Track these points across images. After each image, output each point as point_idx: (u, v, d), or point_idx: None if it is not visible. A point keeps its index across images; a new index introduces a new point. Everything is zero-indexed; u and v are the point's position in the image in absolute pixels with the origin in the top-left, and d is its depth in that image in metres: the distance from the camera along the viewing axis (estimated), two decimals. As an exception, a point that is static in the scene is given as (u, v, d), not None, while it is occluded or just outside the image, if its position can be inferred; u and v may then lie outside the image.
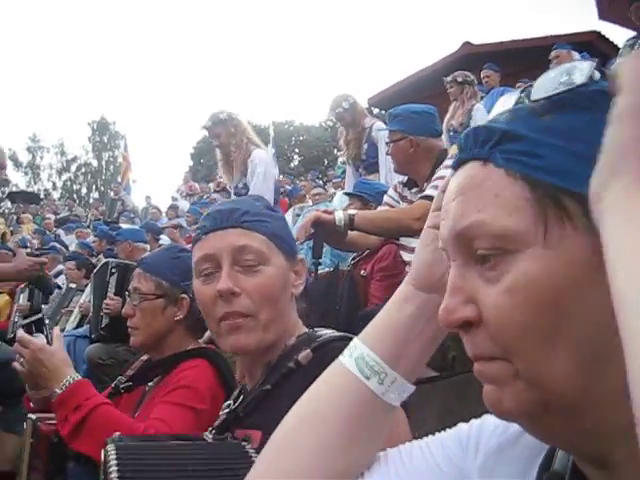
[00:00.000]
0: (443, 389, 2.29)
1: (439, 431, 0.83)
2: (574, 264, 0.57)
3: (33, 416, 1.65)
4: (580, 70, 0.61)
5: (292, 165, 33.74)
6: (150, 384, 2.10)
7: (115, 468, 1.07)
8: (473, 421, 0.81)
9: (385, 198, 3.58)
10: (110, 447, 1.14)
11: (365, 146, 5.39)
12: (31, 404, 1.82)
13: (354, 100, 5.38)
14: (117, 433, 1.23)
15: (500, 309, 0.59)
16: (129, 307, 2.13)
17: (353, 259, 3.99)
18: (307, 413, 0.84)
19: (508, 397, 0.60)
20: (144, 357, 2.22)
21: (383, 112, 11.62)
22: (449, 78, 6.84)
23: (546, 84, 0.63)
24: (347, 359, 0.83)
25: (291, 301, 1.41)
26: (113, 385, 2.07)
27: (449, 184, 0.67)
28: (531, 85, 0.65)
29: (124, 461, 1.09)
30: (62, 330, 6.19)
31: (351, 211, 2.83)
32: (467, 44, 12.78)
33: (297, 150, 37.07)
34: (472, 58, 10.82)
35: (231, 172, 4.97)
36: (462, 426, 0.81)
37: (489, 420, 0.78)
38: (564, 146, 0.59)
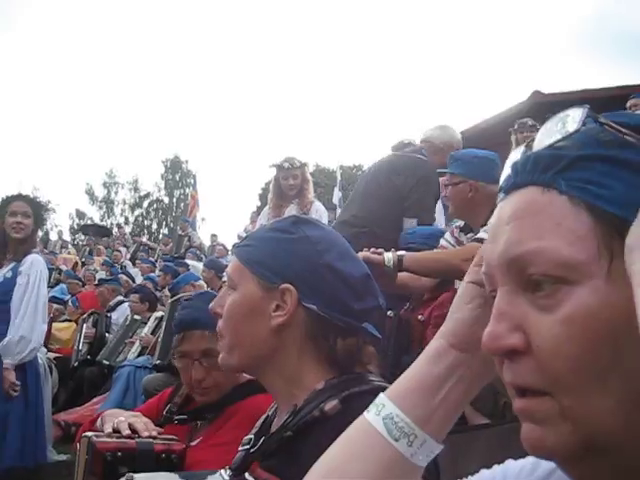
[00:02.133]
0: (489, 436, 2.25)
1: None
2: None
3: (89, 434, 1.68)
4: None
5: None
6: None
7: None
8: (495, 467, 0.78)
9: (441, 241, 3.58)
10: None
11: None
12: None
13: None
14: (130, 474, 1.26)
15: (555, 339, 0.56)
16: (200, 371, 2.09)
17: (410, 303, 3.98)
18: (332, 473, 0.80)
19: (552, 436, 0.57)
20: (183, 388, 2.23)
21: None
22: (516, 125, 6.73)
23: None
24: (374, 417, 0.78)
25: (275, 334, 1.29)
26: (166, 411, 2.11)
27: (499, 208, 0.65)
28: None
29: None
30: (124, 359, 6.44)
31: (400, 252, 2.82)
32: (537, 93, 12.66)
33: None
34: (541, 107, 10.68)
35: (280, 214, 5.05)
36: (484, 473, 0.78)
37: (512, 464, 0.75)
38: (632, 179, 0.58)
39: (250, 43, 75.11)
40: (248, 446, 1.29)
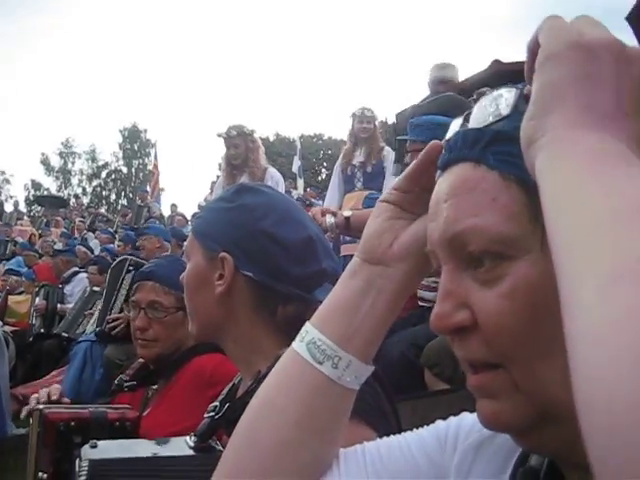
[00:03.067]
0: (449, 401, 2.27)
1: None
2: None
3: (41, 406, 1.68)
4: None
5: (319, 178, 33.82)
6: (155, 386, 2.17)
7: None
8: (451, 418, 0.79)
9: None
10: (84, 462, 1.15)
11: (374, 162, 5.52)
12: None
13: (377, 118, 5.69)
14: (94, 440, 1.25)
15: (498, 314, 0.57)
16: (143, 320, 2.16)
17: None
18: (263, 406, 0.81)
19: (507, 409, 0.58)
20: (141, 359, 2.26)
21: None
22: (475, 95, 6.78)
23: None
24: (298, 344, 0.79)
25: (222, 303, 1.31)
26: (116, 382, 2.13)
27: (437, 186, 0.65)
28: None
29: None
30: (83, 332, 6.37)
31: (346, 212, 2.80)
32: (496, 62, 12.71)
33: (325, 164, 37.18)
34: (502, 76, 10.74)
35: (233, 181, 5.09)
36: (440, 423, 0.79)
37: (467, 417, 0.76)
38: None
39: (212, 7, 73.98)
40: (213, 413, 1.30)
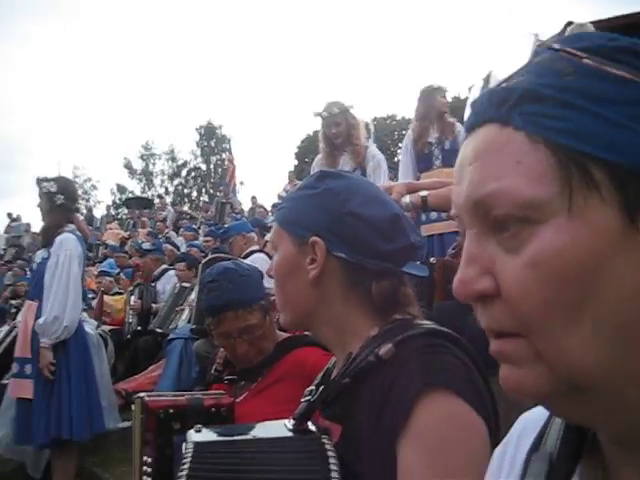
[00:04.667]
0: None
1: None
2: (600, 235, 0.53)
3: (142, 394, 1.76)
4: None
5: (396, 159, 33.53)
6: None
7: (186, 472, 1.14)
8: (510, 432, 0.77)
9: None
10: (189, 445, 1.20)
11: (450, 138, 5.35)
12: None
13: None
14: (199, 425, 1.30)
15: (521, 282, 0.55)
16: (244, 347, 2.18)
17: (453, 248, 3.95)
18: None
19: (530, 377, 0.56)
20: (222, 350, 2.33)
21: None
22: None
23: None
24: None
25: (315, 286, 1.33)
26: (213, 373, 2.23)
27: (463, 148, 0.63)
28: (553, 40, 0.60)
29: (196, 465, 1.16)
30: (175, 327, 6.57)
31: (422, 193, 2.79)
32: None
33: (400, 145, 36.74)
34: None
35: (334, 162, 4.94)
36: (494, 453, 0.77)
37: (529, 417, 0.74)
38: (590, 108, 0.55)
39: (277, 2, 74.23)
40: (310, 397, 1.34)
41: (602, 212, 0.53)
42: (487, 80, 0.56)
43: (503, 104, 0.59)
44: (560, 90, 0.56)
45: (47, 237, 4.49)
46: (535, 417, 0.72)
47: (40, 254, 4.54)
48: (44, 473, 4.94)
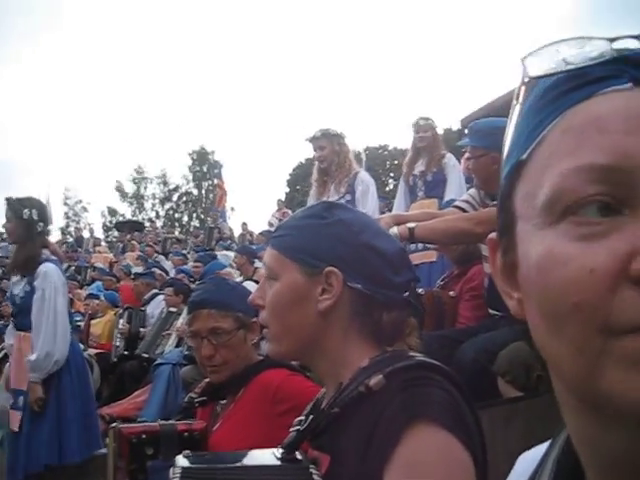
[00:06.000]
0: (527, 409, 2.25)
1: (520, 452, 0.74)
2: None
3: (115, 424, 1.78)
4: None
5: (387, 189, 33.78)
6: (224, 402, 2.22)
7: None
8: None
9: (465, 195, 3.48)
10: (177, 470, 1.20)
11: (434, 170, 5.44)
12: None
13: (435, 126, 5.51)
14: (187, 451, 1.29)
15: None
16: (209, 348, 2.17)
17: (442, 280, 3.98)
18: None
19: None
20: (206, 379, 2.31)
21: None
22: None
23: None
24: None
25: (322, 318, 1.32)
26: (186, 400, 2.22)
27: (631, 98, 0.52)
28: None
29: None
30: (162, 352, 6.54)
31: (410, 224, 2.81)
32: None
33: (392, 174, 37.06)
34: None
35: (323, 189, 5.06)
36: None
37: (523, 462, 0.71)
38: None
39: (270, 31, 75.05)
40: (299, 426, 1.32)
41: None
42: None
43: None
44: None
45: (28, 267, 4.39)
46: (532, 457, 0.67)
47: (21, 285, 4.43)
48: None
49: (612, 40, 0.53)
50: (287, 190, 38.02)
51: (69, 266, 13.86)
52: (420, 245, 4.77)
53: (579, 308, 0.48)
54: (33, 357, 4.20)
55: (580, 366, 0.49)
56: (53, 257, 4.54)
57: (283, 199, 21.13)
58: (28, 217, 4.34)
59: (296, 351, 1.37)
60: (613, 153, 0.48)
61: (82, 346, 5.56)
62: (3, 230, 18.89)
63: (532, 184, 0.53)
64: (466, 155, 3.85)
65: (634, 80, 0.52)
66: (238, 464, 1.23)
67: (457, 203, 3.41)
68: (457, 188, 5.09)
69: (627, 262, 0.46)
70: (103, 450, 4.90)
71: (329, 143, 4.98)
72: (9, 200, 4.44)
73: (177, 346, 6.52)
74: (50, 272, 4.36)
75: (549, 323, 0.51)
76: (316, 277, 1.31)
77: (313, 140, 5.04)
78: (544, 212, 0.51)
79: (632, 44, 0.53)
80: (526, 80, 0.57)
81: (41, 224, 4.42)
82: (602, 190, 0.48)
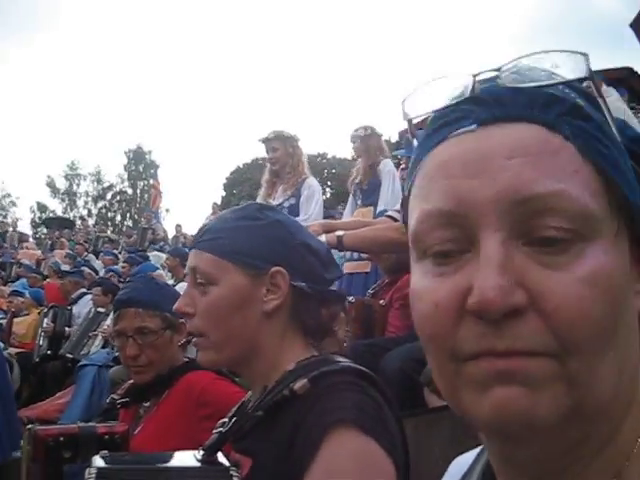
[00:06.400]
0: (451, 418, 2.28)
1: (445, 459, 0.77)
2: (626, 267, 0.54)
3: (31, 426, 1.72)
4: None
5: (324, 197, 34.00)
6: (147, 404, 2.18)
7: None
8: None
9: (397, 206, 3.46)
10: (92, 470, 1.16)
11: (370, 178, 5.42)
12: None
13: (372, 132, 5.46)
14: (105, 451, 1.26)
15: (578, 299, 0.50)
16: (134, 348, 2.12)
17: (373, 289, 4.00)
18: None
19: (545, 401, 0.50)
20: (130, 381, 2.27)
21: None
22: None
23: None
24: None
25: (266, 319, 1.31)
26: (108, 401, 2.18)
27: (476, 141, 0.55)
28: None
29: None
30: (87, 353, 6.39)
31: (338, 232, 2.83)
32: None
33: (329, 183, 37.29)
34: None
35: (272, 190, 5.05)
36: None
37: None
38: (617, 145, 0.55)
39: (212, 37, 74.56)
40: (222, 428, 1.31)
41: (627, 248, 0.55)
42: (479, 75, 0.50)
43: (550, 108, 0.55)
44: (600, 114, 0.56)
45: None
46: (465, 461, 0.71)
47: None
48: None
49: (475, 75, 0.57)
50: (223, 194, 37.76)
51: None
52: (355, 255, 4.80)
53: (431, 339, 0.55)
54: None
55: (445, 388, 0.56)
56: None
57: (219, 202, 20.94)
58: None
59: (236, 357, 1.34)
60: (452, 198, 0.54)
61: (2, 344, 5.37)
62: None
63: (408, 219, 0.59)
64: (402, 166, 3.89)
65: (478, 121, 0.56)
66: (158, 465, 1.21)
67: (389, 212, 3.42)
68: (388, 196, 5.11)
69: (466, 296, 0.52)
70: (18, 453, 4.77)
71: (282, 145, 4.98)
72: None
73: (103, 347, 6.38)
74: None
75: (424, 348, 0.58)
76: (260, 278, 1.31)
77: (266, 141, 5.03)
78: (413, 248, 0.58)
79: (489, 76, 0.57)
80: (407, 120, 0.62)
81: None
82: (445, 236, 0.55)
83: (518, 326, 0.51)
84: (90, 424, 1.78)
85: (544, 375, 0.50)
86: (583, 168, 0.53)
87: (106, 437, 1.69)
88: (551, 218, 0.51)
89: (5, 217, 37.91)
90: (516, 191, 0.51)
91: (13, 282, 11.39)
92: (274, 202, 4.93)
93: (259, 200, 5.19)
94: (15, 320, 8.05)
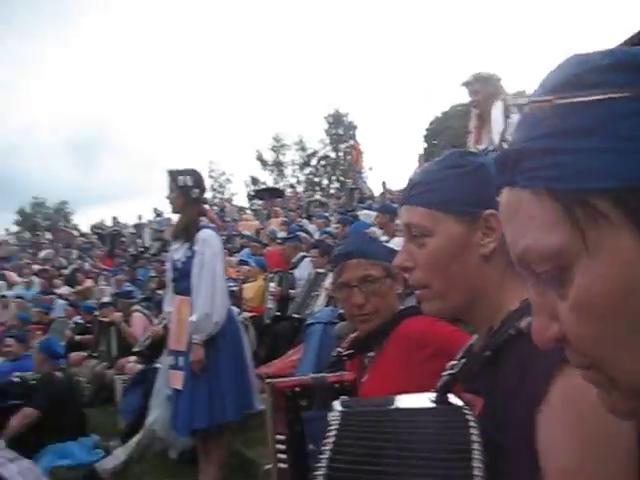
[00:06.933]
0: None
1: None
2: (621, 262, 0.55)
3: (270, 380, 1.86)
4: None
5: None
6: (371, 354, 2.26)
7: (333, 439, 1.17)
8: None
9: None
10: (335, 414, 1.23)
11: None
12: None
13: None
14: (344, 397, 1.34)
15: (571, 325, 0.59)
16: (360, 296, 2.20)
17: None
18: None
19: (620, 401, 0.60)
20: (354, 334, 2.35)
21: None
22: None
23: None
24: None
25: (486, 262, 1.31)
26: (334, 355, 2.28)
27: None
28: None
29: (342, 432, 1.18)
30: (311, 313, 6.71)
31: None
32: None
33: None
34: None
35: (478, 136, 4.95)
36: None
37: None
38: (571, 146, 0.57)
39: (395, -17, 73.51)
40: (452, 370, 1.33)
41: (616, 238, 0.55)
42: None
43: (506, 168, 0.63)
44: (542, 139, 0.59)
45: (188, 233, 4.55)
46: None
47: (182, 251, 4.58)
48: (182, 455, 5.36)
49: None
50: (425, 145, 37.48)
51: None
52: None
53: None
54: (194, 318, 4.37)
55: None
56: (212, 225, 4.70)
57: (422, 154, 20.82)
58: (183, 184, 4.53)
59: (461, 303, 1.35)
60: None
61: (237, 310, 5.78)
62: (156, 206, 20.04)
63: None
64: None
65: (504, 183, 0.65)
66: (392, 407, 1.26)
67: None
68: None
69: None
70: (262, 406, 5.15)
71: (483, 87, 4.84)
72: (169, 171, 4.63)
73: (326, 305, 6.66)
74: (209, 238, 4.54)
75: None
76: (474, 223, 1.32)
77: (467, 85, 4.92)
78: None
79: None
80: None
81: (196, 190, 4.60)
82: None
83: (567, 350, 0.62)
84: (322, 374, 1.89)
85: (602, 383, 0.60)
86: (537, 208, 0.59)
87: (336, 385, 1.79)
88: (535, 266, 0.60)
89: (222, 193, 40.70)
90: (512, 253, 0.64)
91: (238, 252, 12.25)
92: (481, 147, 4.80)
93: (470, 147, 5.09)
94: (243, 286, 8.66)
